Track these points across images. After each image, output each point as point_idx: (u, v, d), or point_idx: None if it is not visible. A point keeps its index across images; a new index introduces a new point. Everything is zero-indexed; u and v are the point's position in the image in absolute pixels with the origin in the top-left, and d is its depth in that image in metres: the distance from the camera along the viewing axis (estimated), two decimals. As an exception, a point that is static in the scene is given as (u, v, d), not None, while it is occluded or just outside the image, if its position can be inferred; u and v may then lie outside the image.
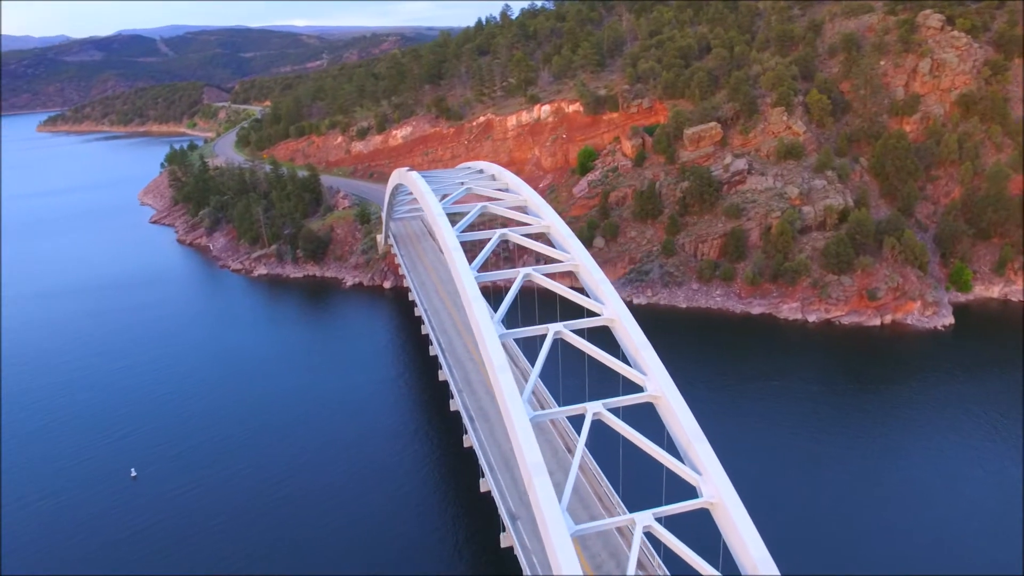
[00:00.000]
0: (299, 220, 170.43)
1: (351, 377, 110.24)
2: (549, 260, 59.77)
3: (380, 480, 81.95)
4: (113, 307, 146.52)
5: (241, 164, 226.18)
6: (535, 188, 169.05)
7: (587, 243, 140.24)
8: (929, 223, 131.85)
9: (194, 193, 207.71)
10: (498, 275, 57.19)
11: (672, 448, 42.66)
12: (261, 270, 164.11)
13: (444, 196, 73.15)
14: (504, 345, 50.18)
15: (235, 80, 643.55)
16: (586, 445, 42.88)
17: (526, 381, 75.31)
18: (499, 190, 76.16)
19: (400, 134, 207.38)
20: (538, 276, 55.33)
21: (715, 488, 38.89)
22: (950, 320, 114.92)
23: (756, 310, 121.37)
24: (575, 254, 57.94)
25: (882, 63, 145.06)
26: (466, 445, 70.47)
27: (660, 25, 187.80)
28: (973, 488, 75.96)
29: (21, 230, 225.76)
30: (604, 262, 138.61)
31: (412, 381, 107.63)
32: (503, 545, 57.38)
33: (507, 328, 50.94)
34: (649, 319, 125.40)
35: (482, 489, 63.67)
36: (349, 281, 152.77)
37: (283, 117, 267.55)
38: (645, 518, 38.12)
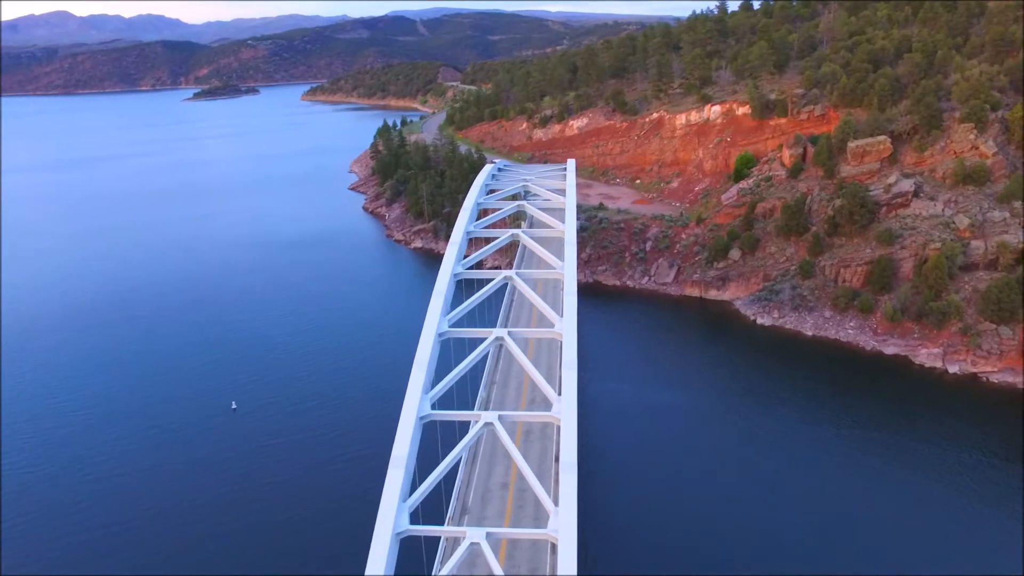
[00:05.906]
0: (459, 199, 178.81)
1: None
2: (544, 265, 59.28)
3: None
4: (281, 262, 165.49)
5: (428, 142, 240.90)
6: (691, 191, 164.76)
7: (723, 253, 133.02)
8: None
9: (385, 166, 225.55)
10: (481, 274, 58.00)
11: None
12: (417, 243, 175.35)
13: (494, 191, 74.58)
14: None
15: (480, 61, 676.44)
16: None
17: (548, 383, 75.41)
18: (554, 191, 75.94)
19: (576, 124, 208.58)
20: (518, 280, 55.31)
21: (559, 524, 37.56)
22: None
23: (889, 350, 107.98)
24: (566, 263, 57.04)
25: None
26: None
27: (868, 24, 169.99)
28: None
29: (248, 188, 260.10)
30: (738, 276, 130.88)
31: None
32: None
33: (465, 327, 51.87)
34: (769, 342, 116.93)
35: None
36: (488, 263, 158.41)
37: (482, 100, 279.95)
38: (477, 534, 37.76)
